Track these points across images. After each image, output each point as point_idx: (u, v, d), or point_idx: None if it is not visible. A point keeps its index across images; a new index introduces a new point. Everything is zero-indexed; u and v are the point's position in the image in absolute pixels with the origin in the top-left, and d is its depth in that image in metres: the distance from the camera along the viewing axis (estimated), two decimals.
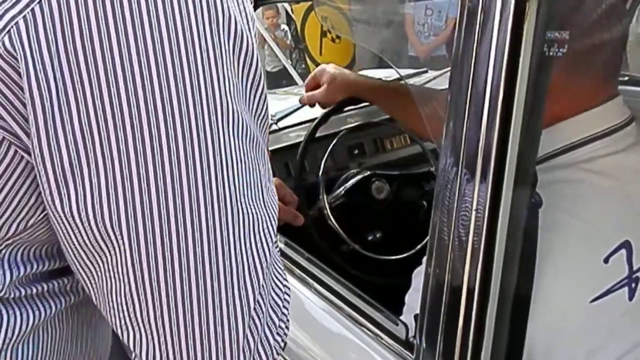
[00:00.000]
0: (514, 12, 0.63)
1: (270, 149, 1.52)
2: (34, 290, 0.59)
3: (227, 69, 0.49)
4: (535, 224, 0.71)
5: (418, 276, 0.84)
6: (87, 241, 0.50)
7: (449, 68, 1.95)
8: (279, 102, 2.09)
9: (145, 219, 0.48)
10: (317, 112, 1.74)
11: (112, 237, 0.48)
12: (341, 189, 1.48)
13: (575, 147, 0.78)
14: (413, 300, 0.84)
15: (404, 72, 2.11)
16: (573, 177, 0.78)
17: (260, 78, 0.54)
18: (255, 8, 1.29)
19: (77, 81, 0.46)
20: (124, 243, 0.49)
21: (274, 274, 0.58)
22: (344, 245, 1.41)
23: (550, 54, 0.65)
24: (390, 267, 1.42)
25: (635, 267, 0.75)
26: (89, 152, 0.47)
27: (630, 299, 0.74)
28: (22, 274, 0.57)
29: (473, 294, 0.68)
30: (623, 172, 0.79)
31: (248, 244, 0.52)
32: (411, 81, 1.91)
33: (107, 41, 0.45)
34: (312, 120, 1.69)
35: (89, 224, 0.48)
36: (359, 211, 1.48)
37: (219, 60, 0.48)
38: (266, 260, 0.54)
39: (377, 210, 1.49)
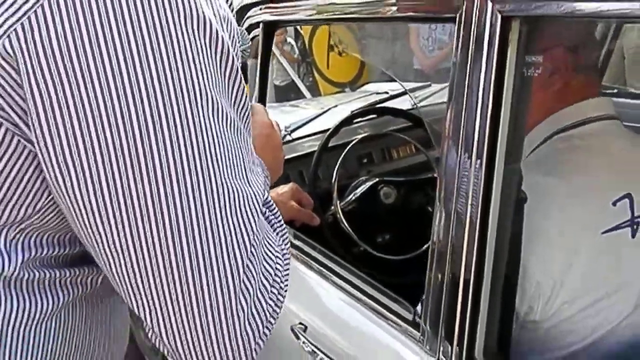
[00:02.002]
0: (499, 40, 0.77)
1: (285, 157, 1.64)
2: (46, 275, 0.63)
3: (206, 64, 0.56)
4: (521, 201, 0.85)
5: None
6: (92, 220, 0.56)
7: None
8: (288, 114, 2.21)
9: (139, 196, 0.54)
10: (326, 124, 1.87)
11: (110, 214, 0.55)
12: (352, 195, 1.60)
13: (567, 128, 1.02)
14: None
15: (409, 85, 2.24)
16: (582, 144, 1.02)
17: (237, 71, 0.60)
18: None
19: (72, 77, 0.53)
20: (122, 220, 0.55)
21: (265, 245, 0.63)
22: (355, 247, 1.53)
23: (529, 74, 0.78)
24: (398, 267, 1.53)
25: (636, 214, 0.97)
26: (85, 139, 0.53)
27: (633, 236, 0.96)
28: (33, 255, 0.62)
29: (471, 263, 0.81)
30: (611, 149, 1.03)
31: (234, 215, 0.58)
32: (416, 94, 2.04)
33: (96, 42, 0.53)
34: (322, 132, 1.82)
35: (90, 203, 0.55)
36: (369, 215, 1.60)
37: (196, 57, 0.55)
38: (252, 230, 0.60)
39: (386, 214, 1.61)
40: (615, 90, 2.04)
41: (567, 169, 1.01)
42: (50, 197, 0.59)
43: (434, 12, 0.92)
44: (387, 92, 2.13)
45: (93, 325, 0.71)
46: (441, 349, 0.87)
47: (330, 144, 1.58)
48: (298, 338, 1.04)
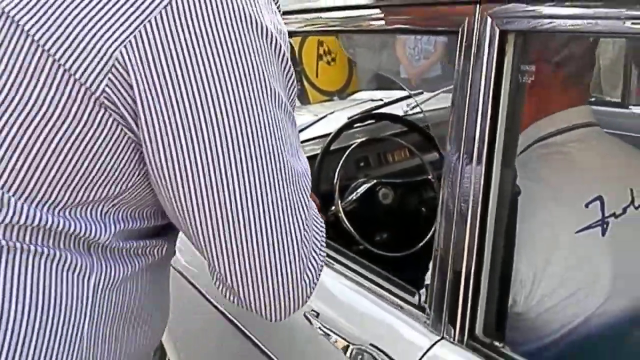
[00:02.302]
0: (497, 51, 0.87)
1: None
2: (128, 245, 0.78)
3: (269, 62, 0.72)
4: (516, 196, 0.95)
5: None
6: (184, 194, 0.71)
7: (441, 90, 2.24)
8: None
9: (225, 168, 0.70)
10: (325, 129, 1.97)
11: (202, 185, 0.70)
12: (352, 195, 1.70)
13: (551, 135, 1.14)
14: None
15: (397, 93, 2.35)
16: (562, 150, 1.12)
17: (288, 62, 0.76)
18: None
19: (175, 83, 0.67)
20: (210, 188, 0.70)
21: (314, 215, 0.78)
22: (355, 245, 1.63)
23: (523, 81, 0.88)
24: (396, 263, 1.63)
25: (606, 214, 1.07)
26: (185, 129, 0.68)
27: (603, 235, 1.07)
28: (121, 228, 0.77)
29: (473, 250, 0.91)
30: (589, 155, 1.13)
31: (292, 187, 0.73)
32: (405, 103, 2.14)
33: (194, 55, 0.67)
34: (322, 136, 1.92)
35: (186, 181, 0.70)
36: (368, 215, 1.69)
37: (264, 59, 0.72)
38: (305, 200, 0.75)
39: (384, 214, 1.71)
40: (593, 99, 2.15)
41: (548, 173, 1.11)
42: (140, 176, 0.74)
43: (439, 26, 1.02)
44: (381, 99, 2.23)
45: (154, 289, 0.86)
46: (445, 329, 0.96)
47: (331, 148, 1.67)
48: (311, 323, 1.13)
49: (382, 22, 1.15)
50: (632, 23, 0.73)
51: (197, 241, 0.74)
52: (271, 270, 0.72)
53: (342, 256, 1.23)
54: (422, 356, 0.96)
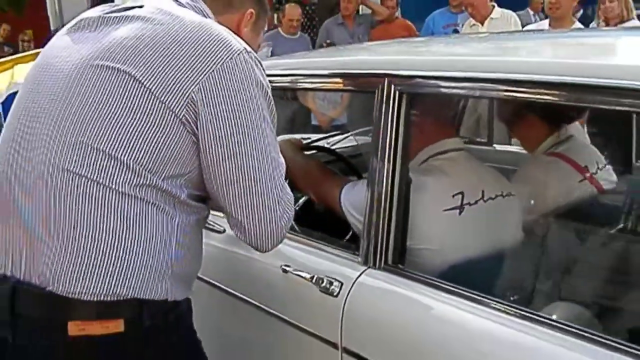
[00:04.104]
0: (398, 104, 1.61)
1: None
2: (192, 205, 1.40)
3: (265, 104, 1.36)
4: (409, 186, 1.68)
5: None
6: (219, 171, 1.35)
7: (351, 133, 3.19)
8: None
9: (245, 158, 1.34)
10: None
11: (229, 166, 1.35)
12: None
13: (436, 155, 1.87)
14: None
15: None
16: (440, 164, 1.86)
17: (272, 101, 1.41)
18: None
19: (222, 113, 1.32)
20: (237, 168, 1.34)
21: (288, 192, 1.44)
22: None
23: (412, 122, 1.63)
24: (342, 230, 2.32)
25: (464, 203, 1.78)
26: (221, 137, 1.32)
27: (460, 214, 1.77)
28: (188, 193, 1.38)
29: (386, 217, 1.63)
30: (457, 167, 1.86)
31: (276, 169, 1.38)
32: (332, 139, 2.88)
33: (230, 105, 1.33)
34: None
35: (221, 163, 1.34)
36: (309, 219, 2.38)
37: (262, 103, 1.36)
38: (282, 178, 1.40)
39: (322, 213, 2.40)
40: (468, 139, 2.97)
41: (432, 176, 1.85)
42: (197, 163, 1.37)
43: (363, 88, 1.76)
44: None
45: (199, 236, 1.48)
46: (370, 262, 1.66)
47: None
48: (286, 272, 1.80)
49: (324, 84, 1.88)
50: (486, 90, 1.50)
51: (223, 200, 1.38)
52: (264, 212, 1.37)
53: (303, 230, 1.92)
54: (358, 277, 1.66)
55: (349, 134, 2.87)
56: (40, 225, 1.30)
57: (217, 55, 1.31)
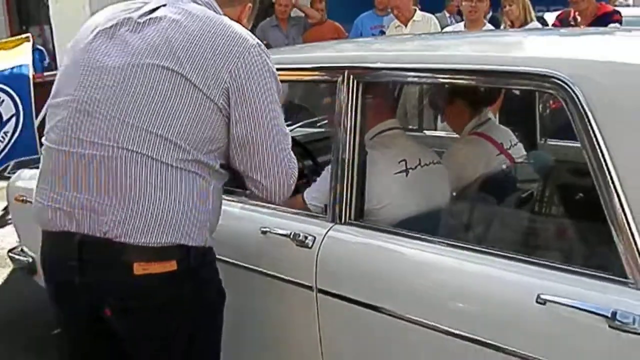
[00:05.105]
0: (356, 91, 2.03)
1: None
2: (221, 172, 1.77)
3: (276, 87, 1.73)
4: (365, 156, 2.11)
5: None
6: (245, 145, 1.72)
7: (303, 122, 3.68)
8: None
9: (265, 131, 1.71)
10: None
11: (256, 138, 1.71)
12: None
13: (383, 131, 2.34)
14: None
15: None
16: (385, 139, 2.33)
17: (280, 84, 1.80)
18: None
19: (248, 101, 1.70)
20: (259, 139, 1.72)
21: (293, 156, 1.83)
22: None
23: (367, 104, 2.05)
24: None
25: (408, 167, 2.28)
26: (251, 117, 1.69)
27: (406, 176, 2.25)
28: (220, 163, 1.73)
29: (349, 182, 2.05)
30: (400, 140, 2.36)
31: (285, 138, 1.77)
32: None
33: (255, 90, 1.70)
34: None
35: (246, 135, 1.71)
36: None
37: (275, 86, 1.72)
38: (289, 145, 1.79)
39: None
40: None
41: (380, 148, 2.28)
42: (227, 139, 1.73)
43: (327, 78, 2.17)
44: None
45: (220, 200, 1.84)
46: (336, 219, 2.07)
47: None
48: (266, 234, 2.18)
49: (295, 76, 2.28)
50: (426, 77, 1.94)
51: (246, 164, 1.75)
52: (279, 172, 1.75)
53: None
54: (327, 231, 2.06)
55: (302, 122, 3.28)
56: (109, 192, 1.62)
57: (239, 51, 1.67)
